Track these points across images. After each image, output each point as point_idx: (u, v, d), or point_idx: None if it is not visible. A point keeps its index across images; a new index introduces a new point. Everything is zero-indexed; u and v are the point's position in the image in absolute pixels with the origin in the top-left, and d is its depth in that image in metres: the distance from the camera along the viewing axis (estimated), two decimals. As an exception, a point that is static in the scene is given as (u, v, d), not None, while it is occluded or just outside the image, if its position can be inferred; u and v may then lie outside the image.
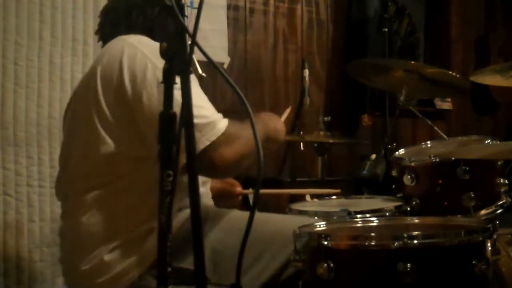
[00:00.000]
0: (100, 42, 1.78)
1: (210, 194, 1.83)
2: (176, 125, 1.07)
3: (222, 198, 1.93)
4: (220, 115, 1.57)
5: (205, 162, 1.50)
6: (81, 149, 1.61)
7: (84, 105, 1.62)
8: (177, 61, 1.06)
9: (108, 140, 1.56)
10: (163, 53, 1.07)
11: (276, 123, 1.79)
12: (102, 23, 1.78)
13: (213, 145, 1.50)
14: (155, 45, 1.42)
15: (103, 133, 1.56)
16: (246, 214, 1.79)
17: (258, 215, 1.83)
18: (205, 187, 1.82)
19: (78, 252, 1.60)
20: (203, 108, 1.54)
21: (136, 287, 1.56)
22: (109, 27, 1.75)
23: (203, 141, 1.49)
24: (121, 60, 1.55)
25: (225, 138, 1.52)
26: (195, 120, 1.47)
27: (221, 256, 1.56)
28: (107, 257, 1.56)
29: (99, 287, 1.57)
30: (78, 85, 1.79)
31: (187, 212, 1.64)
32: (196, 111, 1.49)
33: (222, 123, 1.54)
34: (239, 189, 2.11)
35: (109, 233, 1.57)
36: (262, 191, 2.01)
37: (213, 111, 1.56)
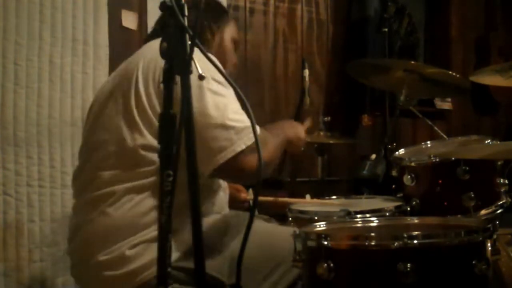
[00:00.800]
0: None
1: (227, 200, 1.84)
2: (177, 125, 1.07)
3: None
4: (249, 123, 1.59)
5: (234, 166, 1.54)
6: (116, 138, 1.61)
7: (122, 96, 1.63)
8: (177, 61, 1.07)
9: (145, 132, 1.57)
10: (163, 53, 1.07)
11: (297, 130, 1.88)
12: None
13: (246, 150, 1.54)
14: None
15: (141, 124, 1.58)
16: (265, 225, 1.82)
17: (278, 228, 1.86)
18: (225, 192, 1.83)
19: (97, 243, 1.59)
20: (240, 113, 1.57)
21: (152, 285, 1.55)
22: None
23: (239, 144, 1.54)
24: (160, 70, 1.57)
25: (253, 146, 1.55)
26: (234, 123, 1.54)
27: None
28: (128, 252, 1.56)
29: (112, 279, 1.57)
30: (111, 78, 1.80)
31: (209, 218, 1.66)
32: (234, 115, 1.55)
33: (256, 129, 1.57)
34: (243, 195, 2.12)
35: (134, 228, 1.58)
36: (262, 198, 2.03)
37: (246, 117, 1.58)
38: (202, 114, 1.52)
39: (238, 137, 1.54)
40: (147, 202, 1.58)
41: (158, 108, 1.57)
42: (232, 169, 1.55)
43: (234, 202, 2.06)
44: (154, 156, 1.56)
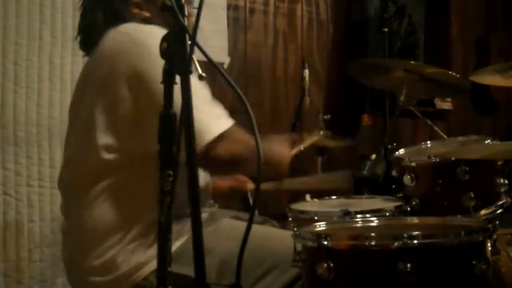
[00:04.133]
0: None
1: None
2: (177, 125, 1.07)
3: (233, 195, 1.91)
4: (226, 114, 1.57)
5: (211, 152, 1.50)
6: (85, 144, 1.59)
7: (88, 101, 1.60)
8: (177, 61, 1.06)
9: (115, 141, 1.55)
10: (163, 53, 1.07)
11: (282, 150, 1.79)
12: (84, 26, 1.74)
13: (215, 139, 1.50)
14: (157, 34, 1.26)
15: (109, 133, 1.55)
16: (258, 228, 1.80)
17: (272, 230, 1.85)
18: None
19: (83, 247, 1.59)
20: (211, 104, 1.54)
21: (144, 286, 1.55)
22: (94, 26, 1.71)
23: (208, 135, 1.49)
24: (130, 57, 1.52)
25: (227, 135, 1.53)
26: (203, 115, 1.47)
27: (228, 267, 1.56)
28: (115, 253, 1.55)
29: (105, 284, 1.56)
30: (78, 82, 1.76)
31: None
32: (205, 106, 1.50)
33: (227, 122, 1.55)
34: (251, 185, 2.10)
35: (115, 227, 1.56)
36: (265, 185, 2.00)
37: (220, 110, 1.57)
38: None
39: (215, 122, 1.50)
40: (126, 200, 1.57)
41: (132, 115, 1.53)
42: (205, 161, 1.50)
43: (239, 195, 2.04)
44: (128, 158, 1.55)
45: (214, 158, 1.51)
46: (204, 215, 1.68)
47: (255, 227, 1.71)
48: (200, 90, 1.52)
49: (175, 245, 1.54)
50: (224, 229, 1.68)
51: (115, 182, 1.58)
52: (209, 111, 1.52)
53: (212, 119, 1.51)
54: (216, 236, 1.66)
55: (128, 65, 1.53)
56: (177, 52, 1.06)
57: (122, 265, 1.55)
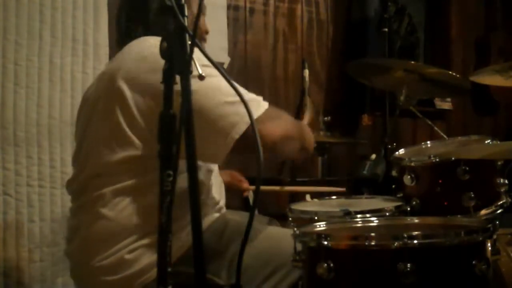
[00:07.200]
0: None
1: (224, 194, 1.83)
2: (176, 125, 1.07)
3: (228, 193, 1.92)
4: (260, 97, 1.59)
5: (252, 136, 1.48)
6: (105, 149, 1.58)
7: (106, 107, 1.59)
8: (177, 61, 1.06)
9: (137, 142, 1.55)
10: (163, 53, 1.07)
11: (311, 137, 1.80)
12: (119, 19, 1.76)
13: (259, 119, 1.49)
14: None
15: (131, 134, 1.55)
16: (266, 228, 1.80)
17: (278, 230, 1.85)
18: (222, 188, 1.81)
19: (95, 246, 1.58)
20: (238, 87, 1.54)
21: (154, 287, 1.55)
22: (125, 25, 1.74)
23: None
24: (152, 67, 1.51)
25: (269, 114, 1.54)
26: (237, 98, 1.48)
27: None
28: (127, 255, 1.55)
29: (111, 283, 1.56)
30: (93, 87, 1.75)
31: (207, 219, 1.65)
32: (236, 89, 1.51)
33: (264, 102, 1.57)
34: (245, 185, 2.10)
35: (128, 230, 1.56)
36: (263, 187, 2.00)
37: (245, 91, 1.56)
38: (203, 97, 1.47)
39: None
40: (138, 203, 1.57)
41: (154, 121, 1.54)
42: (251, 141, 1.49)
43: (235, 192, 2.05)
44: (147, 163, 1.54)
45: (269, 135, 1.51)
46: (213, 217, 1.70)
47: (260, 227, 1.72)
48: (222, 78, 1.51)
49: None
50: (232, 228, 1.68)
51: (134, 184, 1.57)
52: (246, 94, 1.52)
53: (251, 99, 1.53)
54: (224, 236, 1.66)
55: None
56: (177, 52, 1.06)
57: (133, 265, 1.55)
